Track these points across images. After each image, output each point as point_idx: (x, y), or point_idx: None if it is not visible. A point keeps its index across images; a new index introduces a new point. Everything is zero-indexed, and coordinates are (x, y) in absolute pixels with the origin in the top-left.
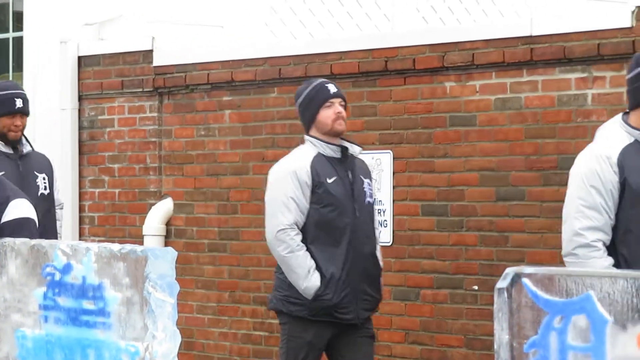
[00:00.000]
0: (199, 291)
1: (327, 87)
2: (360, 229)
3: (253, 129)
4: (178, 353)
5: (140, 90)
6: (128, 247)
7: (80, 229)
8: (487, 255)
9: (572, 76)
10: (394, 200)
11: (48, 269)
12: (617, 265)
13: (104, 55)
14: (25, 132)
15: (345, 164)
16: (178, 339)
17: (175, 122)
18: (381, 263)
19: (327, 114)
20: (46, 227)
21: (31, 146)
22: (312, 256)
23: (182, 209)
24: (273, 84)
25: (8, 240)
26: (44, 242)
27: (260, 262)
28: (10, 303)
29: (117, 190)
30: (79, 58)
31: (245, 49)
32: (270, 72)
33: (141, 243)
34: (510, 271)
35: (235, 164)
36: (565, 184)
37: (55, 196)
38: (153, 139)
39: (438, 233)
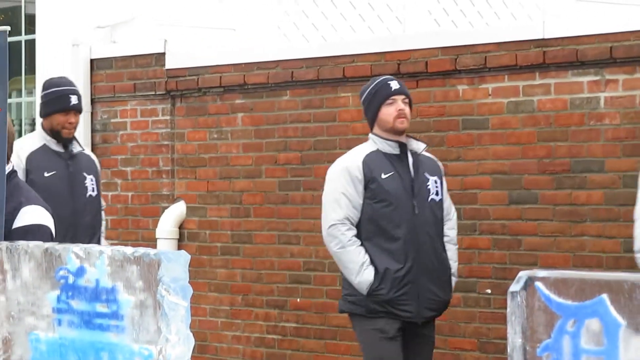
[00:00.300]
0: (212, 294)
1: (389, 84)
2: (421, 226)
3: (265, 132)
4: (191, 356)
5: (153, 93)
6: (141, 250)
7: None
8: (500, 258)
9: (585, 79)
10: None
11: (61, 272)
12: None
13: (116, 58)
14: None
15: (407, 160)
16: (191, 342)
17: (187, 125)
18: (453, 264)
19: (388, 112)
20: (95, 229)
21: (80, 146)
22: (367, 251)
23: (195, 212)
24: (285, 87)
25: (22, 243)
26: (58, 246)
27: (273, 265)
28: (24, 306)
29: (130, 194)
30: (92, 61)
31: (258, 52)
32: (283, 75)
33: (154, 246)
34: (523, 275)
35: (248, 167)
36: (578, 187)
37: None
38: (166, 142)
39: None
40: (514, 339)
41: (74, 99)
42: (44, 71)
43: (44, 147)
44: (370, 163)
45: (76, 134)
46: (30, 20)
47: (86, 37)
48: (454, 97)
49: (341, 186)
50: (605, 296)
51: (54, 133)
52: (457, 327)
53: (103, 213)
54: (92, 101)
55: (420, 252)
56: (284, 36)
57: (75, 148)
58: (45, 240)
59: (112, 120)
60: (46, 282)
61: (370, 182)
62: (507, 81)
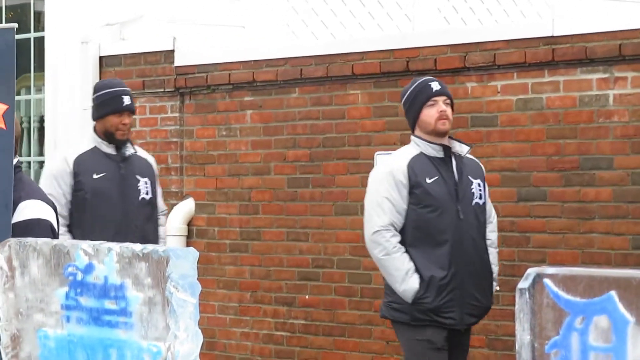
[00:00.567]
0: (221, 291)
1: (430, 85)
2: (465, 231)
3: (274, 129)
4: (200, 353)
5: (162, 90)
6: (150, 247)
7: None
8: (509, 255)
9: (594, 76)
10: None
11: (70, 269)
12: None
13: (125, 55)
14: (46, 133)
15: (450, 163)
16: (200, 339)
17: (196, 122)
18: (495, 267)
19: (430, 113)
20: (146, 233)
21: (134, 149)
22: (411, 258)
23: (203, 209)
24: (294, 84)
25: (30, 240)
26: (66, 242)
27: (281, 262)
28: (32, 303)
29: None
30: (100, 58)
31: (267, 49)
32: (292, 73)
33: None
34: (531, 272)
35: (256, 164)
36: (587, 184)
37: (159, 203)
38: (174, 139)
39: None
40: (523, 335)
41: (126, 100)
42: (53, 69)
43: (95, 150)
44: (415, 167)
45: (85, 130)
46: (39, 17)
47: (95, 35)
48: (462, 95)
49: (385, 190)
50: (613, 293)
51: (107, 135)
52: None
53: (164, 218)
54: None
55: (465, 257)
56: (293, 33)
57: (129, 150)
58: (45, 234)
59: None
60: (55, 278)
61: (415, 186)
62: (516, 78)
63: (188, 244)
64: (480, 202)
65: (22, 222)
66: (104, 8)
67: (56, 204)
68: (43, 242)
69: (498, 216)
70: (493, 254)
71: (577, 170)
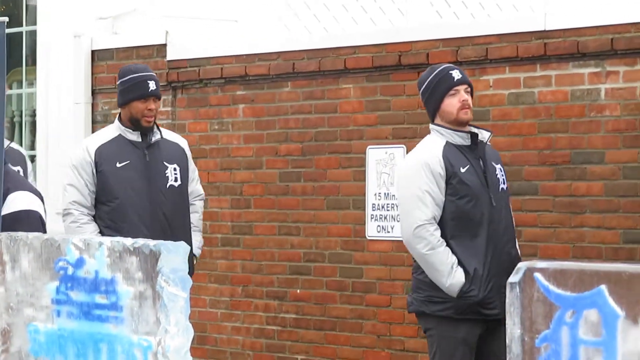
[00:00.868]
0: (212, 285)
1: (450, 73)
2: (498, 218)
3: (266, 124)
4: (191, 347)
5: None
6: (141, 241)
7: None
8: None
9: (586, 71)
10: None
11: (61, 263)
12: None
13: (117, 49)
14: (38, 127)
15: (476, 151)
16: (191, 333)
17: (188, 116)
18: (519, 252)
19: (452, 103)
20: (173, 221)
21: (161, 134)
22: (453, 251)
23: None
24: (287, 78)
25: (21, 234)
26: (57, 236)
27: (273, 256)
28: (23, 297)
29: None
30: (93, 52)
31: (259, 44)
32: (284, 67)
33: None
34: (522, 266)
35: (248, 159)
36: (578, 179)
37: (195, 187)
38: None
39: None
40: (513, 329)
41: (152, 85)
42: (45, 62)
43: (118, 138)
44: (450, 157)
45: (77, 125)
46: (32, 11)
47: (87, 29)
48: None
49: (424, 183)
50: (604, 287)
51: (133, 122)
52: None
53: (200, 202)
54: (93, 92)
55: (499, 245)
56: (286, 27)
57: (155, 136)
58: (35, 225)
59: (113, 112)
60: (45, 273)
61: (451, 177)
62: (508, 73)
63: None
64: (505, 187)
65: (11, 214)
66: (97, 2)
67: (79, 195)
68: (34, 237)
69: None
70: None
71: (568, 165)
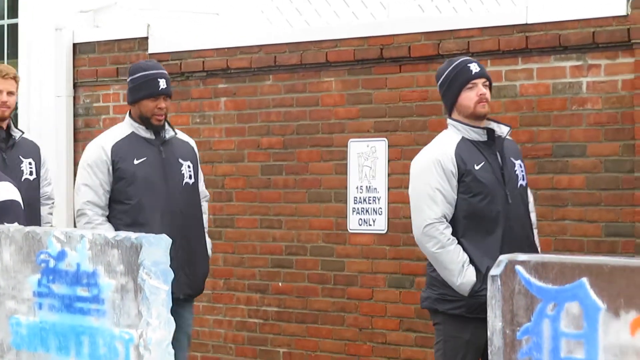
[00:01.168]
0: None
1: (468, 67)
2: (514, 216)
3: (248, 117)
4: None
5: None
6: (122, 234)
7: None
8: None
9: (567, 64)
10: (389, 188)
11: (42, 256)
12: None
13: (99, 42)
14: (20, 121)
15: (493, 146)
16: (172, 326)
17: (170, 109)
18: (536, 241)
19: (469, 96)
20: (190, 219)
21: (174, 131)
22: (464, 249)
23: None
24: (268, 71)
25: (2, 227)
26: (38, 229)
27: (255, 249)
28: (5, 290)
29: None
30: (74, 45)
31: (241, 37)
32: (266, 60)
33: None
34: (503, 258)
35: (230, 152)
36: (560, 172)
37: (201, 188)
38: None
39: None
40: (494, 322)
41: (162, 83)
42: (27, 55)
43: (132, 135)
44: (463, 154)
45: (59, 118)
46: (13, 4)
47: (69, 22)
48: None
49: (435, 181)
50: (585, 280)
51: (143, 120)
52: None
53: (206, 204)
54: (75, 85)
55: (515, 242)
56: (267, 21)
57: (168, 133)
58: (19, 214)
59: (95, 105)
60: (27, 266)
61: (464, 175)
62: (490, 66)
63: None
64: (524, 183)
65: None
66: None
67: (93, 194)
68: (15, 229)
69: None
70: (535, 236)
71: (550, 158)
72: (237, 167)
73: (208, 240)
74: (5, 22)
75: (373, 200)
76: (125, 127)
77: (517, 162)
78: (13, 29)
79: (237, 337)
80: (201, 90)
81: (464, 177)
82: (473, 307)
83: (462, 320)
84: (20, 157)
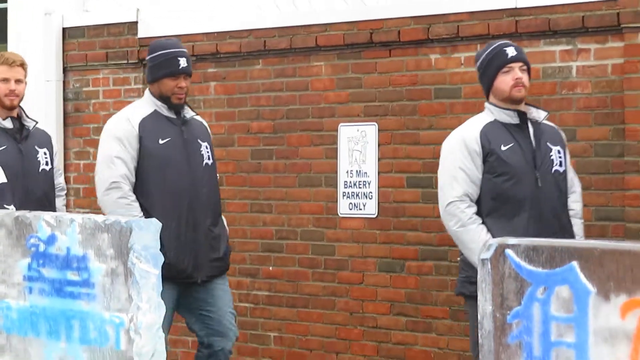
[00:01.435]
0: None
1: (505, 50)
2: (545, 200)
3: (238, 101)
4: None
5: (125, 61)
6: (112, 218)
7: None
8: None
9: (557, 48)
10: (379, 172)
11: (32, 240)
12: None
13: (88, 26)
14: None
15: (527, 130)
16: (162, 309)
17: None
18: (578, 231)
19: (505, 80)
20: (212, 201)
21: (193, 111)
22: (489, 230)
23: None
24: (258, 55)
25: None
26: (28, 214)
27: (245, 234)
28: None
29: None
30: (64, 30)
31: (230, 21)
32: (255, 44)
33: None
34: (493, 242)
35: (220, 136)
36: None
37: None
38: None
39: (423, 205)
40: (485, 306)
41: (183, 62)
42: (16, 40)
43: (156, 113)
44: (489, 134)
45: (49, 102)
46: None
47: (58, 6)
48: (426, 66)
49: (459, 160)
50: (575, 263)
51: (163, 99)
52: (429, 295)
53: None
54: (64, 70)
55: (545, 227)
56: (257, 5)
57: (188, 113)
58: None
59: (84, 89)
60: (17, 250)
61: (489, 154)
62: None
63: None
64: (561, 169)
65: None
66: None
67: (126, 168)
68: (5, 214)
69: None
70: (578, 225)
71: None
72: (227, 151)
73: (223, 219)
74: None
75: (363, 184)
76: (148, 104)
77: (555, 148)
78: (2, 13)
79: None
80: None
81: (488, 157)
82: None
83: None
84: (36, 147)
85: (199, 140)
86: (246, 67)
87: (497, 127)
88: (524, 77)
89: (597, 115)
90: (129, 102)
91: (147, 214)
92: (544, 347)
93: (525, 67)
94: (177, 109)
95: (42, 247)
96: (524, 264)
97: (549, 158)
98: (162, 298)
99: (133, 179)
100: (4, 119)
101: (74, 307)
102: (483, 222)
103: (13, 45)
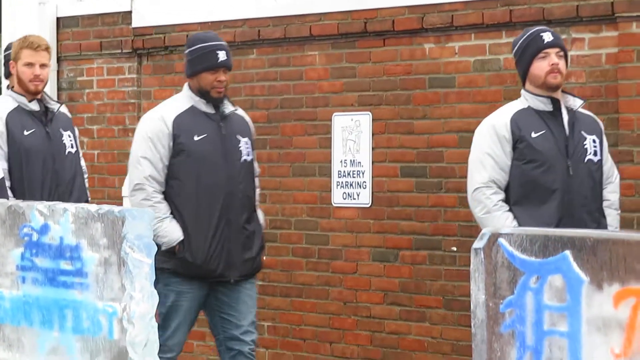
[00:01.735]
0: None
1: (541, 36)
2: (577, 189)
3: (232, 91)
4: (155, 313)
5: (119, 51)
6: (105, 207)
7: None
8: (466, 216)
9: None
10: (373, 162)
11: (25, 230)
12: None
13: (82, 16)
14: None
15: (561, 117)
16: (155, 299)
17: (154, 83)
18: (612, 222)
19: (540, 66)
20: (248, 198)
21: (234, 106)
22: (517, 217)
23: None
24: (252, 45)
25: None
26: (21, 203)
27: None
28: None
29: (96, 152)
30: (58, 19)
31: (224, 10)
32: (249, 34)
33: (120, 205)
34: (487, 231)
35: None
36: None
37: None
38: (132, 101)
39: (417, 194)
40: (478, 295)
41: (222, 55)
42: (10, 30)
43: (192, 109)
44: (520, 121)
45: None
46: None
47: None
48: (420, 56)
49: (487, 146)
50: (568, 252)
51: (202, 93)
52: (423, 284)
53: (257, 180)
54: (59, 59)
55: (575, 217)
56: None
57: (227, 108)
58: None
59: (79, 79)
60: (10, 239)
61: (518, 141)
62: (474, 40)
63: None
64: (595, 159)
65: None
66: None
67: (153, 169)
68: None
69: (454, 176)
70: (612, 216)
71: None
72: None
73: (260, 212)
74: None
75: (357, 174)
76: (185, 100)
77: (590, 137)
78: None
79: None
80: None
81: (518, 144)
82: None
83: None
84: (61, 130)
85: (238, 136)
86: (240, 57)
87: (530, 114)
88: (561, 63)
89: (591, 105)
90: (123, 92)
91: (179, 212)
92: (536, 336)
93: (562, 53)
94: (216, 103)
95: (35, 237)
96: (517, 253)
97: (583, 147)
98: (186, 299)
99: (162, 178)
100: (29, 102)
101: (67, 296)
102: (510, 210)
103: (7, 34)
